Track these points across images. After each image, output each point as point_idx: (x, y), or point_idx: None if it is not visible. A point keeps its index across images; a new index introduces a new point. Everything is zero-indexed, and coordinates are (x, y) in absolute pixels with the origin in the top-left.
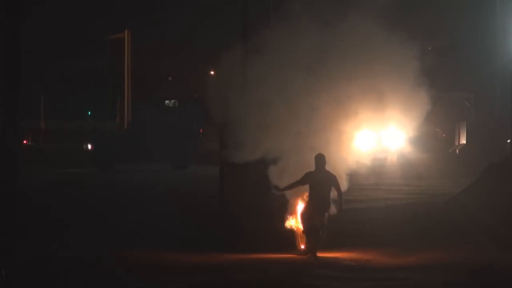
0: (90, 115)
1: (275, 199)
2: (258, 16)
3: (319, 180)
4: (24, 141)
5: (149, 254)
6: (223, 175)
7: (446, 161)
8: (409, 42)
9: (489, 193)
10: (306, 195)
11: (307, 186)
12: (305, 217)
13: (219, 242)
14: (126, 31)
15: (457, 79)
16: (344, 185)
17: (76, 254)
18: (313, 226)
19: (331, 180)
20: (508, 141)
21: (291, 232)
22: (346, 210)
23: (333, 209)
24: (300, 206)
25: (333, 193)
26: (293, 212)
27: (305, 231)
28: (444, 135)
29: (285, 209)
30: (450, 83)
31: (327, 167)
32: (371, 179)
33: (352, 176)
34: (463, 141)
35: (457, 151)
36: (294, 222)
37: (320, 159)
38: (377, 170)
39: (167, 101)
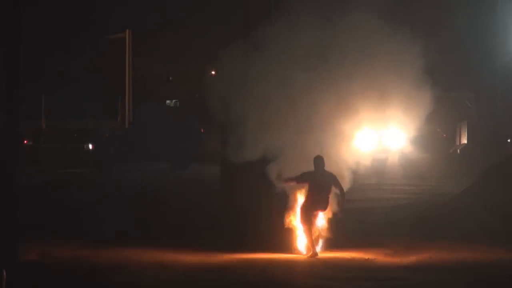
0: (92, 115)
1: (276, 198)
2: (259, 12)
3: (320, 184)
4: (25, 141)
5: (149, 254)
6: (223, 175)
7: (447, 161)
8: (411, 40)
9: (490, 192)
10: (304, 191)
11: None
12: (304, 217)
13: (219, 242)
14: (127, 30)
15: (458, 78)
16: (346, 184)
17: (75, 253)
18: (312, 226)
19: (332, 180)
20: (509, 140)
21: (290, 231)
22: (348, 210)
23: (334, 208)
24: (299, 204)
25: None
26: (292, 211)
27: (305, 231)
28: (444, 135)
29: (285, 209)
30: (451, 82)
31: (328, 167)
32: (373, 179)
33: (354, 176)
34: (464, 140)
35: (458, 151)
36: (293, 222)
37: (319, 161)
38: (379, 170)
39: (168, 101)
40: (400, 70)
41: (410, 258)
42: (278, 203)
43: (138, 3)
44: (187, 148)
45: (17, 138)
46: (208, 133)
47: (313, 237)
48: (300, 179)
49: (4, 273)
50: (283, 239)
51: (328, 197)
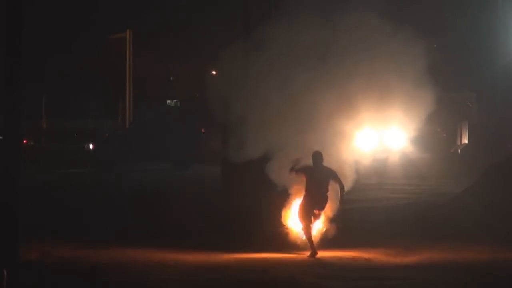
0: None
1: (277, 198)
2: (259, 12)
3: (317, 179)
4: (24, 141)
5: (150, 253)
6: (224, 175)
7: (447, 161)
8: (413, 39)
9: (491, 192)
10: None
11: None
12: (303, 215)
13: (220, 242)
14: (127, 30)
15: (459, 78)
16: (348, 183)
17: (75, 252)
18: (310, 224)
19: (331, 176)
20: None
21: (289, 230)
22: (348, 209)
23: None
24: (299, 202)
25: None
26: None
27: (304, 230)
28: (444, 134)
29: (286, 206)
30: (452, 82)
31: (329, 166)
32: (373, 178)
33: (356, 176)
34: (465, 140)
35: (459, 151)
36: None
37: (317, 157)
38: (379, 170)
39: (168, 101)
40: (401, 70)
41: (410, 258)
42: (279, 203)
43: (139, 3)
44: (187, 148)
45: (18, 138)
46: (208, 133)
47: (312, 237)
48: (298, 170)
49: (5, 273)
50: (284, 239)
51: (326, 194)
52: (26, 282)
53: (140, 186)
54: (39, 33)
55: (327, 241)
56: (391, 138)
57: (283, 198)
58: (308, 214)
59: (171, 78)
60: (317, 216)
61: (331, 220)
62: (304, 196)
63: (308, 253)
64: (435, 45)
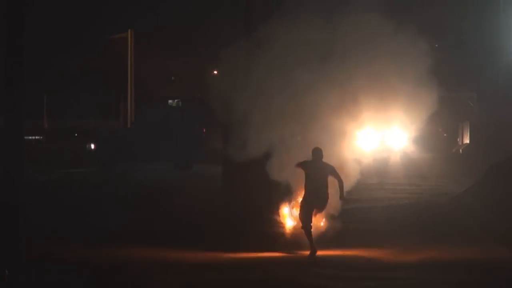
0: (94, 115)
1: (278, 197)
2: (261, 12)
3: (317, 175)
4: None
5: (151, 253)
6: (225, 174)
7: (449, 161)
8: (415, 39)
9: (492, 192)
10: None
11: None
12: (303, 212)
13: (221, 241)
14: (129, 30)
15: (461, 78)
16: (350, 182)
17: (77, 252)
18: (311, 223)
19: (329, 171)
20: None
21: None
22: (349, 209)
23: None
24: (298, 202)
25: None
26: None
27: (304, 228)
28: (445, 134)
29: (287, 207)
30: (453, 82)
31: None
32: (374, 178)
33: (360, 176)
34: (467, 140)
35: (461, 150)
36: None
37: (317, 152)
38: (380, 170)
39: (170, 101)
40: (402, 70)
41: (411, 258)
42: (279, 202)
43: (140, 3)
44: (188, 147)
45: (20, 138)
46: (210, 132)
47: (311, 235)
48: (299, 164)
49: (6, 273)
50: (284, 238)
51: (326, 190)
52: (27, 282)
53: (141, 186)
54: (40, 33)
55: (328, 241)
56: (392, 138)
57: (284, 197)
58: (308, 212)
59: (173, 78)
60: (318, 214)
61: (332, 219)
62: (304, 193)
63: (308, 253)
64: (436, 45)
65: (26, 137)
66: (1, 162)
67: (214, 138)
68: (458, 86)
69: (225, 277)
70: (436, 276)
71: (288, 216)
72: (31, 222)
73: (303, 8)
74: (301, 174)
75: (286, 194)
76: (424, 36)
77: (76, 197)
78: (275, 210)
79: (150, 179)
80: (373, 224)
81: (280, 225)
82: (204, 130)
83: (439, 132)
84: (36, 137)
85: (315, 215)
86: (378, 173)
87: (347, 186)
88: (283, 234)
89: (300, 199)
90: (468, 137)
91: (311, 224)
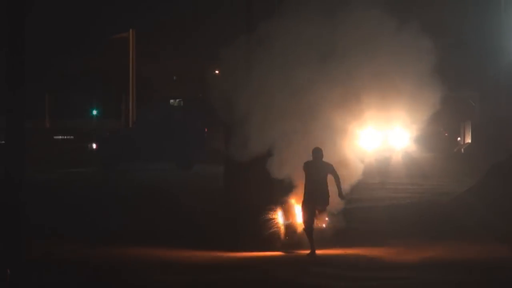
0: (95, 114)
1: (279, 196)
2: (262, 9)
3: (317, 174)
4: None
5: (152, 252)
6: (227, 173)
7: (450, 161)
8: (417, 39)
9: (494, 192)
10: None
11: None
12: (304, 212)
13: (222, 241)
14: (130, 30)
15: (462, 78)
16: (351, 181)
17: (78, 252)
18: (312, 223)
19: (329, 169)
20: None
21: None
22: (350, 208)
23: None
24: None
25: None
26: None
27: (306, 227)
28: (446, 134)
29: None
30: (455, 82)
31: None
32: (376, 178)
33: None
34: (468, 140)
35: (462, 150)
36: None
37: (317, 152)
38: (382, 169)
39: (171, 100)
40: (404, 69)
41: (412, 257)
42: (281, 201)
43: (141, 2)
44: (190, 147)
45: (21, 138)
46: (211, 132)
47: (312, 234)
48: (303, 168)
49: (8, 272)
50: (285, 237)
51: (327, 189)
52: (28, 282)
53: (142, 186)
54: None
55: (329, 240)
56: (394, 137)
57: (286, 196)
58: (311, 212)
59: (174, 77)
60: (320, 214)
61: (334, 218)
62: (305, 193)
63: (308, 252)
64: (436, 46)
65: (55, 137)
66: (3, 162)
67: (215, 138)
68: (459, 85)
69: (225, 277)
70: (437, 275)
71: (289, 216)
72: (32, 221)
73: (304, 7)
74: (302, 173)
75: (287, 194)
76: (426, 36)
77: (78, 197)
78: (276, 209)
79: (152, 178)
80: (374, 223)
81: (280, 224)
82: (206, 130)
83: (440, 131)
84: (66, 137)
85: (317, 214)
86: (380, 173)
87: (350, 184)
88: (283, 234)
89: (301, 199)
90: (469, 136)
91: (313, 224)
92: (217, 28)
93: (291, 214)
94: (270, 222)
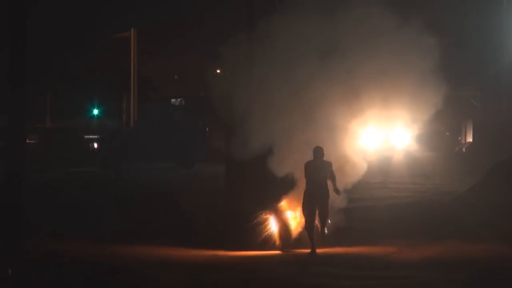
0: (96, 114)
1: (280, 195)
2: (263, 7)
3: (316, 168)
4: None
5: (153, 252)
6: (228, 173)
7: (452, 160)
8: (421, 35)
9: (495, 191)
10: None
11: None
12: (305, 212)
13: (223, 240)
14: (132, 29)
15: (464, 77)
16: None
17: (79, 251)
18: (313, 222)
19: (327, 166)
20: None
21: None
22: (352, 207)
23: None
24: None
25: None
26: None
27: (307, 227)
28: (447, 133)
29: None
30: (456, 81)
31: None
32: (377, 177)
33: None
34: (470, 139)
35: (464, 149)
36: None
37: (318, 151)
38: (384, 169)
39: (173, 100)
40: (406, 68)
41: (414, 257)
42: (282, 200)
43: (143, 2)
44: (191, 146)
45: (22, 138)
46: (212, 131)
47: (313, 233)
48: (304, 170)
49: (9, 272)
50: (286, 237)
51: (326, 188)
52: (30, 281)
53: (142, 185)
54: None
55: (330, 239)
56: (395, 136)
57: (286, 196)
58: (312, 211)
59: (176, 77)
60: (320, 213)
61: (334, 217)
62: (305, 192)
63: (309, 251)
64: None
65: (86, 136)
66: (4, 162)
67: (216, 137)
68: (461, 85)
69: (225, 277)
70: (438, 275)
71: (289, 215)
72: (33, 221)
73: (305, 4)
74: (302, 172)
75: (288, 192)
76: (427, 35)
77: (78, 197)
78: (278, 208)
79: (152, 178)
80: (375, 222)
81: (280, 224)
82: (207, 130)
83: (442, 130)
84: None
85: (318, 214)
86: (381, 172)
87: (351, 183)
88: (283, 233)
89: (302, 198)
90: (471, 135)
91: (314, 223)
92: (218, 26)
93: (293, 213)
94: (270, 221)
